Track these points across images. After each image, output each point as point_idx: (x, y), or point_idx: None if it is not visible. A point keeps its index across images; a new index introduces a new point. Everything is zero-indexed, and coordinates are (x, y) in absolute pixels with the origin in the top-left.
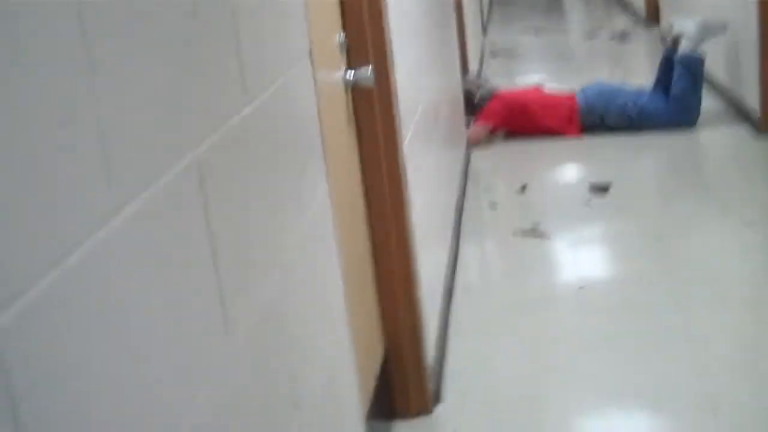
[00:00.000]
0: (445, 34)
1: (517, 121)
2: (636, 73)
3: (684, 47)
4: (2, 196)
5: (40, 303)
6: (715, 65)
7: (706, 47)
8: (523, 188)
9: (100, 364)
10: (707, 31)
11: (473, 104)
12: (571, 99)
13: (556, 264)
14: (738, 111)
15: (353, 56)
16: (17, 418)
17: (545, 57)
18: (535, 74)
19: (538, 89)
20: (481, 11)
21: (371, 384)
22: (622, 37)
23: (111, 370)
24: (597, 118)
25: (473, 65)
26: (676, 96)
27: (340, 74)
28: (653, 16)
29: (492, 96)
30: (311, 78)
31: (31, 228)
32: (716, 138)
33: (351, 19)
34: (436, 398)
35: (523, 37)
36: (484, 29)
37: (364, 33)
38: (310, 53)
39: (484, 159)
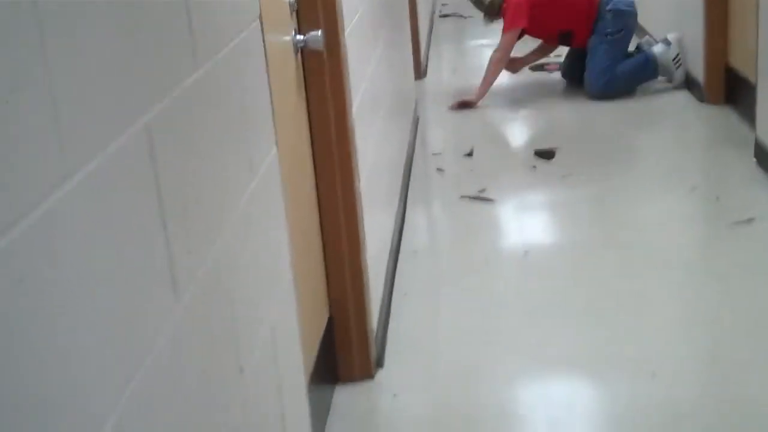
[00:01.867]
0: None
1: (540, 15)
2: None
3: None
4: None
5: None
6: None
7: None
8: (470, 153)
9: (47, 329)
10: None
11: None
12: None
13: (502, 228)
14: (685, 81)
15: (303, 19)
16: None
17: None
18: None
19: None
20: None
21: (315, 348)
22: None
23: (57, 335)
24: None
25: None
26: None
27: (290, 37)
28: None
29: None
30: (261, 42)
31: None
32: (662, 105)
33: None
34: (379, 363)
35: None
36: None
37: None
38: (260, 17)
39: (433, 124)
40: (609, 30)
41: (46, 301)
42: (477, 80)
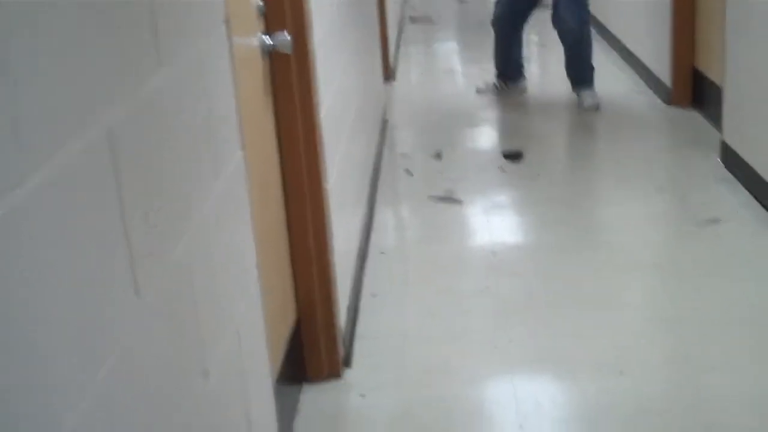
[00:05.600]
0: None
1: None
2: None
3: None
4: None
5: None
6: (635, 42)
7: None
8: (439, 154)
9: (5, 331)
10: None
11: None
12: None
13: (470, 229)
14: (652, 84)
15: (271, 22)
16: None
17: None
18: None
19: None
20: None
21: (282, 347)
22: None
23: (16, 336)
24: None
25: None
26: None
27: (257, 40)
28: None
29: None
30: (227, 44)
31: None
32: (629, 107)
33: None
34: (347, 362)
35: None
36: None
37: None
38: (227, 19)
39: (401, 126)
40: None
41: (4, 302)
42: (446, 84)
